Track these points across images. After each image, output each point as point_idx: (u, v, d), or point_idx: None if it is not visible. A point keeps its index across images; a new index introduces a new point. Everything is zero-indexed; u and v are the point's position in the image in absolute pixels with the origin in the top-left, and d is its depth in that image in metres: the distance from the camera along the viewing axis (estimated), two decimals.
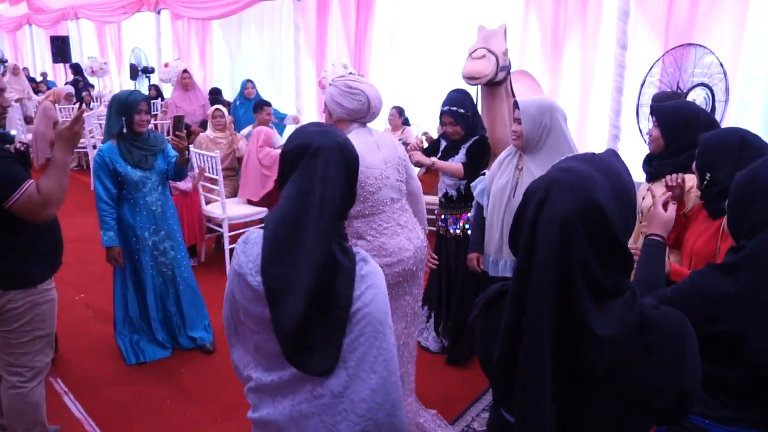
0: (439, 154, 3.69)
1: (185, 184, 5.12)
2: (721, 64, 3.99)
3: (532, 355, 1.07)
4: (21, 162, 2.37)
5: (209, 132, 5.80)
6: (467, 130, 3.53)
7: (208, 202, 5.34)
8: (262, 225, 1.41)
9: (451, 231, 3.65)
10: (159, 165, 3.59)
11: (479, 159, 3.52)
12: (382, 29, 7.12)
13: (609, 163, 1.15)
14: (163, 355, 3.77)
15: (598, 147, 4.83)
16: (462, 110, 3.49)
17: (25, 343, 2.47)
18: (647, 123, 3.85)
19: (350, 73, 5.49)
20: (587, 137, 5.30)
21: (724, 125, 4.10)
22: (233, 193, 5.68)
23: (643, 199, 2.65)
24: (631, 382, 1.10)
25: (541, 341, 1.06)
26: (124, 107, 3.41)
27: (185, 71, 7.55)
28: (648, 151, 2.71)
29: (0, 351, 2.50)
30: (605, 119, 4.60)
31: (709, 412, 1.57)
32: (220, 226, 5.15)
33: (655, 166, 2.60)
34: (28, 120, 9.55)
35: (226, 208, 5.10)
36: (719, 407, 1.52)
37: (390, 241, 2.58)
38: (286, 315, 1.29)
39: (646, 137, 2.65)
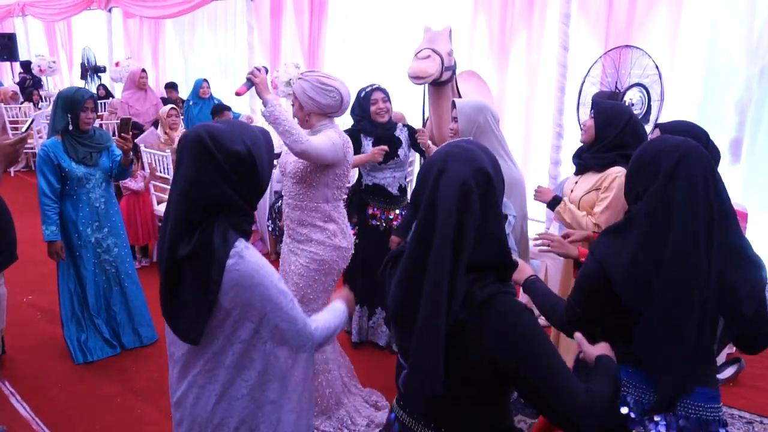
0: (370, 143, 3.54)
1: (136, 184, 5.09)
2: (657, 66, 4.20)
3: (432, 308, 1.25)
4: None
5: (160, 131, 5.77)
6: (391, 113, 3.60)
7: (159, 202, 5.32)
8: None
9: (383, 226, 3.66)
10: (104, 162, 3.61)
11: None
12: (334, 30, 7.18)
13: (484, 146, 1.41)
14: (111, 353, 3.77)
15: (543, 144, 5.02)
16: (387, 90, 3.57)
17: None
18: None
19: (302, 73, 5.53)
20: (532, 135, 5.47)
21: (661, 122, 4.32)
22: None
23: (572, 191, 2.81)
24: (462, 349, 1.29)
25: (439, 297, 1.25)
26: (71, 104, 3.43)
27: (143, 71, 7.47)
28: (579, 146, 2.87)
29: None
30: (549, 117, 4.77)
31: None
32: None
33: (584, 159, 2.76)
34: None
35: None
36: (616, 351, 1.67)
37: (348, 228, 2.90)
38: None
39: (583, 126, 2.81)
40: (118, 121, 3.63)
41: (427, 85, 3.90)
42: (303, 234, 2.85)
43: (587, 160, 2.75)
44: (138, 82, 7.30)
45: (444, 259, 1.24)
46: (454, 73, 3.95)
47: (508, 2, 5.35)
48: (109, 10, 9.44)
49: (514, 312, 1.29)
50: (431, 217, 1.28)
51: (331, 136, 2.71)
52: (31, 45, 12.42)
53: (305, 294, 2.88)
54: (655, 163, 1.59)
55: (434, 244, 1.26)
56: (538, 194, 2.92)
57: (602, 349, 1.55)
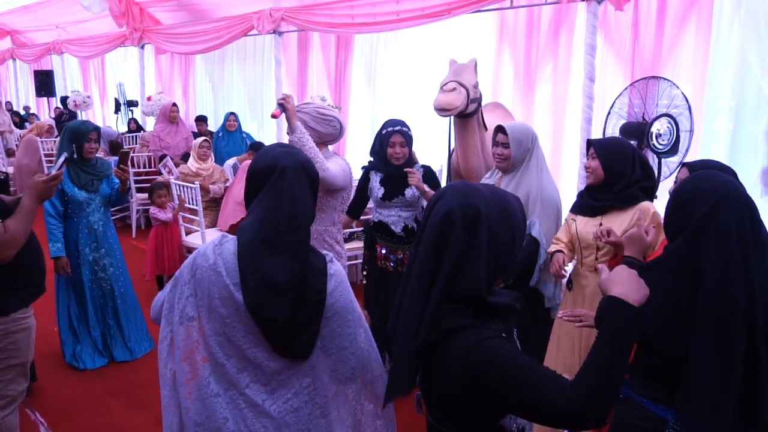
0: (382, 189, 3.52)
1: (165, 215, 5.17)
2: (685, 96, 4.16)
3: (404, 327, 1.36)
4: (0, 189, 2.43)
5: (191, 163, 5.88)
6: (411, 154, 3.53)
7: (188, 233, 5.39)
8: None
9: (390, 267, 3.57)
10: (103, 189, 3.95)
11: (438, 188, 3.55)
12: (360, 63, 7.29)
13: (505, 192, 1.44)
14: (101, 363, 4.06)
15: (571, 177, 4.99)
16: (410, 132, 3.51)
17: None
18: None
19: (328, 105, 5.60)
20: (561, 167, 5.43)
21: (691, 153, 4.27)
22: (213, 224, 5.74)
23: (576, 230, 2.81)
24: (435, 372, 1.36)
25: (411, 317, 1.34)
26: (76, 135, 3.79)
27: (174, 105, 7.66)
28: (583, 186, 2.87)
29: None
30: (576, 149, 4.74)
31: (646, 392, 1.72)
32: None
33: (604, 199, 2.73)
34: (9, 153, 9.57)
35: (206, 238, 5.14)
36: (651, 389, 1.65)
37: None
38: (274, 318, 1.51)
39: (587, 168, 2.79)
40: (119, 154, 3.92)
41: (452, 117, 3.92)
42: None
43: (608, 201, 2.72)
44: (169, 116, 7.48)
45: (420, 283, 1.34)
46: (479, 105, 3.96)
47: (533, 34, 5.38)
48: (142, 47, 9.71)
49: (481, 340, 1.28)
50: (419, 243, 1.38)
51: (339, 162, 2.89)
52: (67, 81, 12.80)
53: None
54: (691, 204, 1.57)
55: (414, 266, 1.36)
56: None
57: (621, 284, 1.26)
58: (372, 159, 3.64)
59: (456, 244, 1.32)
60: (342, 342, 1.59)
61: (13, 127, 10.76)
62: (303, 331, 1.53)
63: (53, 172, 2.61)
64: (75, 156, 3.81)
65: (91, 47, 10.77)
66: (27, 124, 12.03)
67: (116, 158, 7.45)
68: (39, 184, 2.49)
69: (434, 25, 5.57)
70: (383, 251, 3.57)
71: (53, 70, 12.68)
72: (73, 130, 3.82)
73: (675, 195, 1.67)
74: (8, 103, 14.03)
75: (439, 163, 5.80)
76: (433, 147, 5.85)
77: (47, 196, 2.57)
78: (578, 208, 2.92)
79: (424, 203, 3.60)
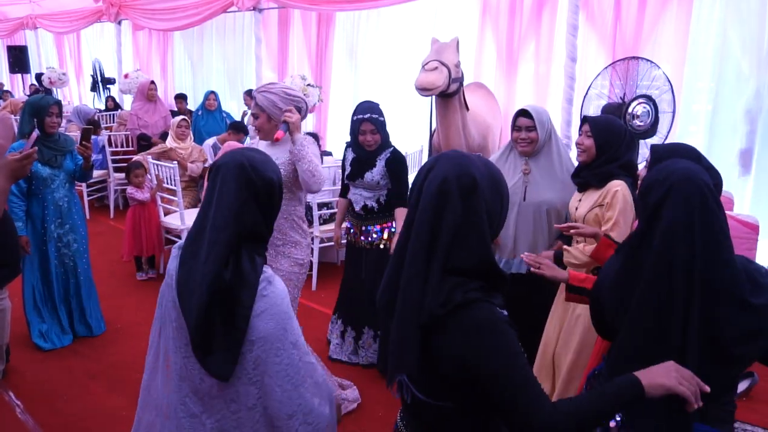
0: (348, 169, 3.61)
1: (143, 195, 5.10)
2: (667, 77, 4.17)
3: (405, 303, 1.31)
4: None
5: (170, 141, 5.80)
6: (384, 139, 3.52)
7: (166, 213, 5.32)
8: None
9: (373, 240, 3.63)
10: (67, 165, 3.91)
11: (403, 176, 3.56)
12: (342, 42, 7.21)
13: (490, 162, 1.42)
14: (68, 342, 4.05)
15: None
16: (381, 118, 3.50)
17: None
18: None
19: (308, 85, 5.55)
20: None
21: (672, 134, 4.29)
22: (193, 204, 5.67)
23: (576, 209, 2.79)
24: (437, 347, 1.31)
25: (412, 292, 1.30)
26: (37, 109, 3.72)
27: (152, 82, 7.53)
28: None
29: None
30: (558, 130, 4.73)
31: None
32: (180, 236, 5.13)
33: (583, 176, 2.74)
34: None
35: (185, 219, 5.08)
36: None
37: None
38: (188, 311, 1.44)
39: (576, 143, 2.80)
40: (80, 130, 3.84)
41: (434, 96, 3.89)
42: (281, 239, 2.93)
43: (587, 177, 2.74)
44: (147, 94, 7.34)
45: (418, 255, 1.30)
46: (461, 84, 3.94)
47: (516, 14, 5.35)
48: (119, 23, 9.52)
49: (489, 321, 1.28)
50: (413, 213, 1.34)
51: (315, 150, 2.89)
52: (42, 57, 12.52)
53: (294, 298, 3.01)
54: (648, 192, 1.59)
55: (410, 239, 1.32)
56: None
57: (653, 375, 1.31)
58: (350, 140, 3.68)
59: (453, 214, 1.29)
60: (270, 372, 1.44)
61: None
62: (223, 347, 1.43)
63: (25, 150, 2.54)
64: (37, 131, 3.73)
65: (66, 22, 10.52)
66: (0, 101, 11.77)
67: (95, 137, 7.33)
68: (12, 162, 2.41)
69: (416, 3, 5.52)
70: (347, 225, 3.77)
71: (27, 45, 12.38)
72: (33, 105, 3.76)
73: (642, 183, 1.70)
74: None
75: (420, 143, 5.78)
76: (414, 127, 5.82)
77: (21, 175, 2.48)
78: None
79: (386, 189, 3.59)
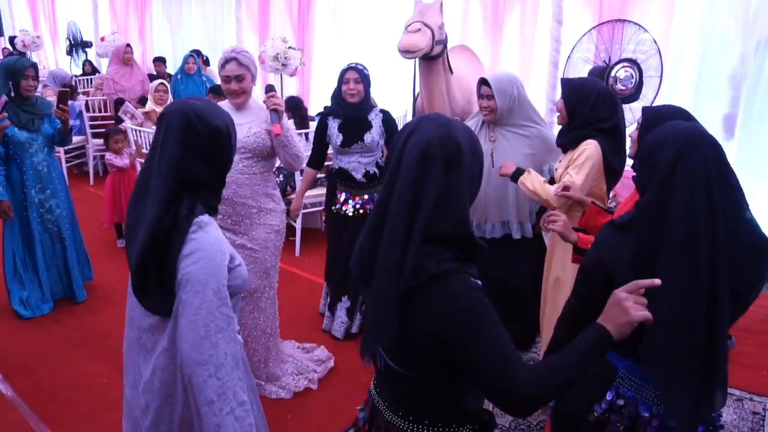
0: (340, 136, 3.44)
1: (122, 161, 5.00)
2: (655, 41, 4.12)
3: (383, 271, 1.27)
4: None
5: (150, 105, 5.67)
6: (367, 95, 3.45)
7: None
8: None
9: (350, 212, 3.54)
10: (45, 129, 3.86)
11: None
12: (324, 4, 7.05)
13: (468, 127, 1.38)
14: (48, 310, 4.01)
15: None
16: (366, 72, 3.44)
17: None
18: None
19: (290, 47, 5.42)
20: None
21: (657, 99, 4.26)
22: None
23: (556, 169, 2.79)
24: (413, 317, 1.28)
25: (390, 260, 1.26)
26: (12, 72, 3.68)
27: (128, 45, 7.32)
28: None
29: None
30: (544, 94, 4.70)
31: None
32: None
33: (560, 139, 2.76)
34: None
35: None
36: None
37: None
38: (131, 252, 1.52)
39: (555, 108, 2.79)
40: (57, 93, 3.79)
41: (417, 59, 3.82)
42: (255, 207, 2.90)
43: (563, 140, 2.74)
44: (123, 58, 7.14)
45: (399, 221, 1.26)
46: (445, 47, 3.87)
47: None
48: None
49: (465, 291, 1.26)
50: (393, 179, 1.29)
51: (293, 128, 2.99)
52: (15, 20, 12.15)
53: (272, 266, 3.01)
54: (656, 153, 1.51)
55: (391, 205, 1.27)
56: (502, 168, 2.88)
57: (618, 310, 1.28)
58: (329, 105, 3.58)
59: (436, 179, 1.24)
60: (186, 314, 1.44)
61: None
62: (158, 287, 1.48)
63: None
64: (12, 94, 3.70)
65: None
66: None
67: (71, 102, 7.16)
68: None
69: None
70: (342, 196, 3.57)
71: None
72: (8, 67, 3.70)
73: (641, 146, 1.64)
74: None
75: (404, 108, 5.71)
76: (397, 90, 5.74)
77: None
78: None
79: (384, 149, 3.55)
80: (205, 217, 1.52)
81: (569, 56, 4.28)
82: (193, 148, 1.51)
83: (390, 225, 1.27)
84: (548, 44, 4.55)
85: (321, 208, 5.14)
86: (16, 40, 10.03)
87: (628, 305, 1.27)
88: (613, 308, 1.29)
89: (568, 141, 2.70)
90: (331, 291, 3.74)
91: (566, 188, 2.45)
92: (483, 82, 3.00)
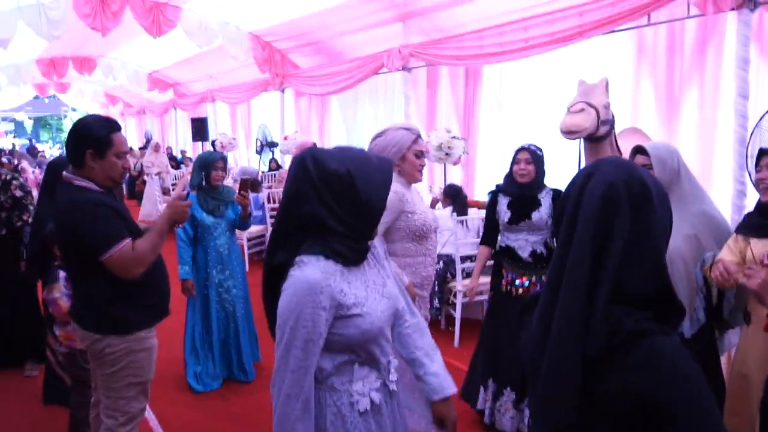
0: (508, 213, 3.42)
1: None
2: None
3: (563, 328, 1.08)
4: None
5: None
6: (538, 175, 3.39)
7: None
8: None
9: (520, 291, 3.38)
10: (228, 214, 4.22)
11: None
12: (490, 94, 7.15)
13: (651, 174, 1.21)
14: (218, 386, 4.23)
15: (723, 207, 4.44)
16: (540, 152, 3.39)
17: (120, 388, 2.56)
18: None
19: (453, 137, 5.52)
20: (712, 196, 4.87)
21: None
22: None
23: (752, 254, 2.39)
24: (599, 380, 1.07)
25: (573, 314, 1.07)
26: (205, 164, 4.16)
27: (314, 144, 7.91)
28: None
29: (101, 392, 2.63)
30: (730, 177, 4.23)
31: None
32: None
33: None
34: (165, 191, 10.45)
35: None
36: None
37: None
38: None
39: (756, 180, 2.41)
40: (239, 181, 4.15)
41: (582, 140, 3.65)
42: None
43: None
44: None
45: (580, 275, 1.07)
46: (612, 127, 3.65)
47: (676, 51, 4.95)
48: (282, 91, 10.29)
49: (678, 353, 1.04)
50: (571, 229, 1.11)
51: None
52: (218, 125, 13.85)
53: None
54: None
55: (570, 255, 1.09)
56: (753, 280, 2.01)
57: None
58: (501, 183, 3.60)
59: (623, 227, 1.07)
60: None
61: (170, 168, 11.78)
62: (269, 317, 1.62)
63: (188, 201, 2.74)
64: (204, 183, 4.13)
65: (238, 93, 11.59)
66: (183, 166, 13.14)
67: (255, 194, 7.86)
68: (177, 206, 2.59)
69: (565, 48, 5.32)
70: (510, 276, 3.46)
71: (207, 117, 13.79)
72: (202, 160, 4.23)
73: None
74: (168, 148, 15.46)
75: None
76: (563, 173, 5.53)
77: (180, 219, 2.65)
78: (749, 229, 2.55)
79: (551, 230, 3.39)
80: (311, 258, 1.51)
81: (757, 124, 3.84)
82: (303, 190, 1.53)
83: (569, 280, 1.08)
84: (731, 122, 4.13)
85: (484, 297, 4.98)
86: (215, 142, 11.40)
87: None
88: None
89: None
90: (487, 379, 3.51)
91: None
92: (639, 150, 2.75)
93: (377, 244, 1.75)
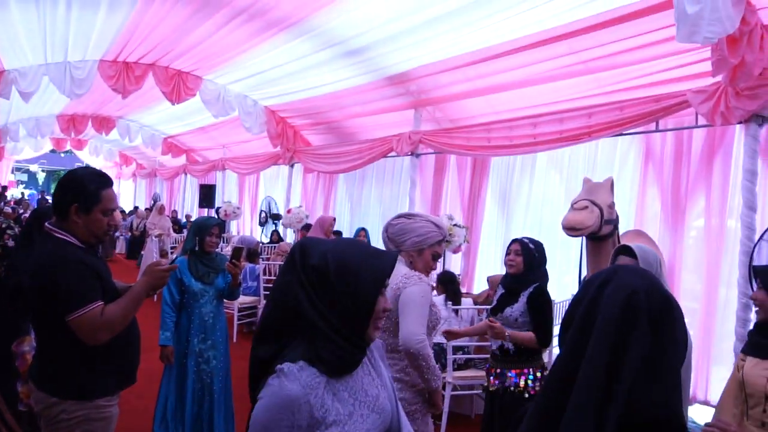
0: (494, 302, 3.50)
1: None
2: None
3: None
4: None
5: None
6: (526, 267, 3.32)
7: None
8: None
9: (509, 386, 3.30)
10: (218, 282, 4.05)
11: (545, 314, 3.27)
12: (495, 186, 7.17)
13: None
14: None
15: (729, 318, 4.30)
16: (532, 246, 3.34)
17: None
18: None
19: (455, 225, 5.47)
20: (716, 309, 4.74)
21: None
22: None
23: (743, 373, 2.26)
24: None
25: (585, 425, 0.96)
26: (200, 229, 4.03)
27: (334, 219, 7.53)
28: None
29: None
30: (734, 287, 4.12)
31: None
32: None
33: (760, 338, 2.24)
34: (162, 254, 10.37)
35: None
36: None
37: None
38: None
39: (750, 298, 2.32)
40: (232, 249, 4.04)
41: (584, 238, 3.58)
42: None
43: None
44: (326, 229, 7.33)
45: (590, 396, 0.95)
46: (616, 227, 3.60)
47: (683, 159, 4.96)
48: (292, 166, 10.40)
49: None
50: (582, 336, 1.01)
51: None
52: (225, 194, 13.95)
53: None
54: None
55: (584, 364, 0.97)
56: None
57: None
58: None
59: (641, 342, 0.97)
60: None
61: (171, 231, 11.76)
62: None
63: (171, 265, 2.61)
64: (197, 248, 3.99)
65: (249, 164, 11.73)
66: (185, 231, 13.12)
67: (252, 265, 7.75)
68: (156, 271, 2.48)
69: (573, 147, 5.36)
70: (487, 366, 3.54)
71: (215, 184, 13.92)
72: (198, 224, 4.10)
73: None
74: (174, 211, 15.52)
75: (569, 292, 5.34)
76: (565, 274, 5.43)
77: (159, 285, 2.54)
78: (748, 347, 2.45)
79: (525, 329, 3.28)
80: (292, 367, 1.36)
81: (755, 245, 3.77)
82: (291, 281, 1.43)
83: (580, 393, 0.97)
84: (738, 233, 4.06)
85: (475, 392, 4.79)
86: (219, 210, 11.43)
87: None
88: None
89: None
90: None
91: None
92: (623, 250, 2.69)
93: (374, 346, 1.59)
